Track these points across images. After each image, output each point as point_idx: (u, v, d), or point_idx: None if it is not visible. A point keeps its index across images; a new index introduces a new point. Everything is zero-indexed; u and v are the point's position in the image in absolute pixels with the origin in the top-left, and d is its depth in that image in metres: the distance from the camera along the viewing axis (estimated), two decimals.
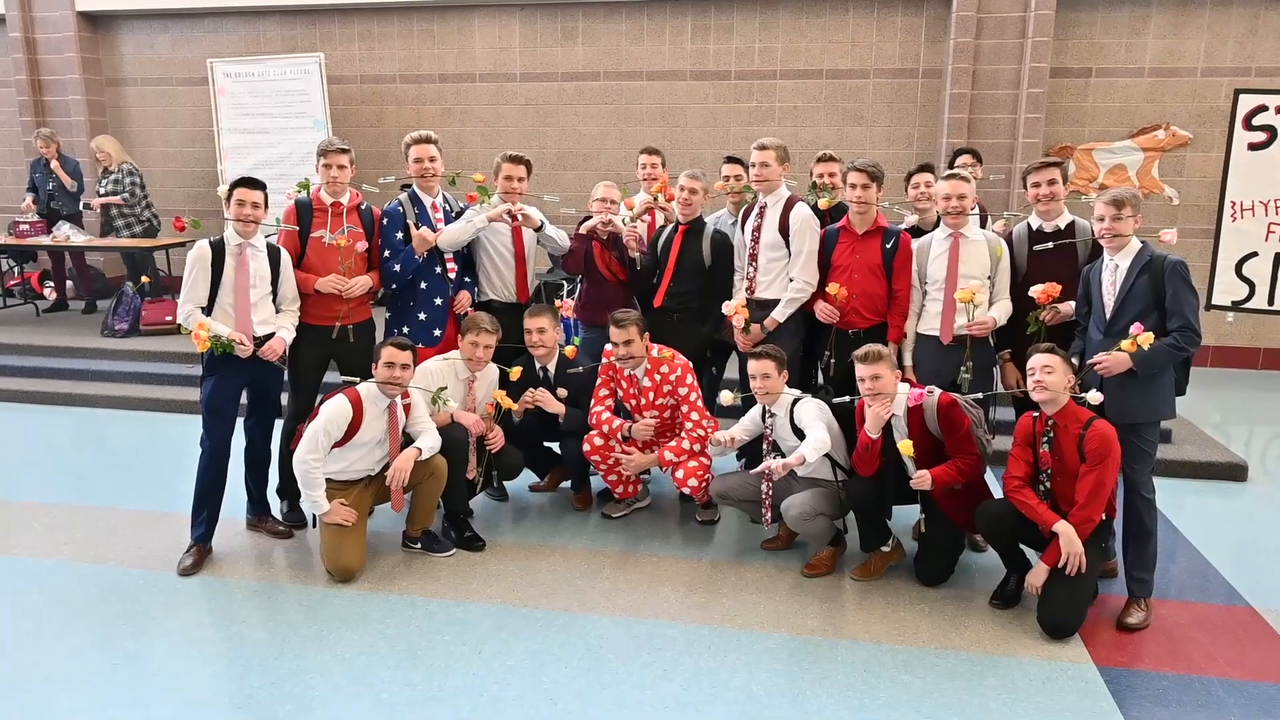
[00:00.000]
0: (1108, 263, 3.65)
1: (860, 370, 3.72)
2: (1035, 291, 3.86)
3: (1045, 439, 3.54)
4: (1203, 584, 3.99)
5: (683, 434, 4.29)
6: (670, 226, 4.65)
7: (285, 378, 4.35)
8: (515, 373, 4.36)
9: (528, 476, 4.96)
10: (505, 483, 4.82)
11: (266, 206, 4.06)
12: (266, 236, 4.15)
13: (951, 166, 5.42)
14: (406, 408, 4.05)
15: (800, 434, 3.90)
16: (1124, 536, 3.69)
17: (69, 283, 8.71)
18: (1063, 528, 3.41)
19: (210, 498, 4.06)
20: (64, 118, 9.18)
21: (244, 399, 4.19)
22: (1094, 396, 3.45)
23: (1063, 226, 4.03)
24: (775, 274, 4.39)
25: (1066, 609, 3.45)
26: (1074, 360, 3.63)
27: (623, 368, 4.36)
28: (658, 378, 4.32)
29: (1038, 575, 3.51)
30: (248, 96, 8.57)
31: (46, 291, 8.87)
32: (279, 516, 4.46)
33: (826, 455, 3.93)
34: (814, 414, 3.87)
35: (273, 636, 3.44)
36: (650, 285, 4.66)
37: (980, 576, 3.98)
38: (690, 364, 4.36)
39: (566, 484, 4.96)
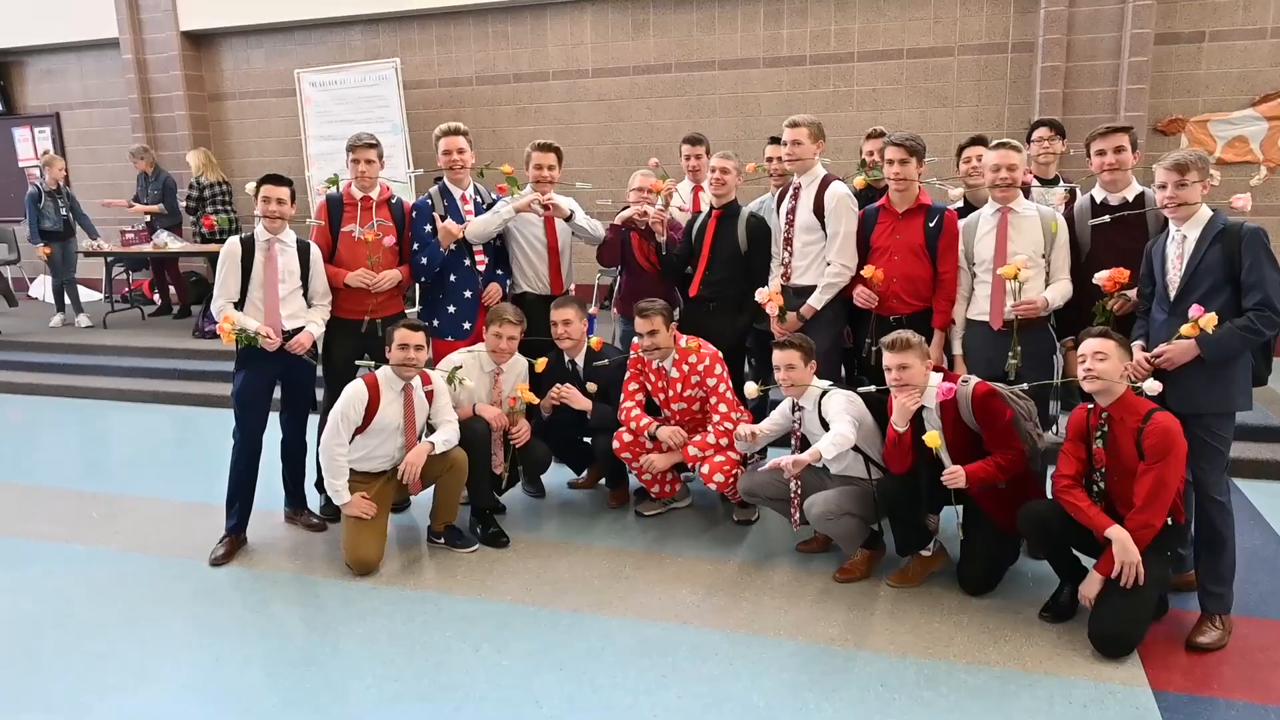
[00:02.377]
0: (1174, 234, 3.23)
1: (887, 359, 3.42)
2: (1100, 278, 3.45)
3: (1099, 434, 3.16)
4: None
5: (710, 427, 4.09)
6: (704, 212, 4.45)
7: (319, 372, 4.39)
8: (540, 364, 4.26)
9: (567, 473, 4.87)
10: (542, 479, 4.73)
11: (293, 203, 4.11)
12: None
13: (1029, 139, 4.99)
14: (429, 394, 4.01)
15: (829, 428, 3.63)
16: (1197, 545, 3.26)
17: (171, 287, 9.20)
18: (1116, 533, 3.03)
19: (242, 489, 4.14)
20: (170, 132, 9.74)
21: (278, 393, 4.26)
22: (1151, 386, 3.06)
23: (1130, 199, 3.62)
24: (811, 258, 4.13)
25: (1120, 623, 3.06)
26: (1136, 346, 3.24)
27: (650, 359, 4.19)
28: (685, 368, 4.13)
29: (1090, 586, 3.14)
30: (331, 104, 8.86)
31: (155, 296, 9.43)
32: (315, 510, 4.51)
33: (860, 451, 3.66)
34: (842, 407, 3.60)
35: (281, 627, 3.45)
36: (684, 273, 4.47)
37: (1034, 586, 3.61)
38: (719, 353, 4.14)
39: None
